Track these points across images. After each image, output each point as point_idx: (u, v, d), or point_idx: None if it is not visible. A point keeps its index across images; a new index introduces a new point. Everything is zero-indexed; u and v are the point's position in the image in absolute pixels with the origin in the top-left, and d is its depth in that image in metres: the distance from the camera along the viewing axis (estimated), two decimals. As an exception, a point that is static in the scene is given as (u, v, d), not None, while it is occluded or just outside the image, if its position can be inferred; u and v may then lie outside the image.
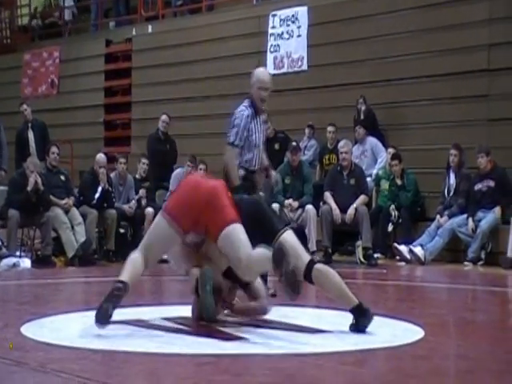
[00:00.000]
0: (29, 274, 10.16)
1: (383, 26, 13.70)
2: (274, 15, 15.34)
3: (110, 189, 11.87)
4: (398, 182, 12.10)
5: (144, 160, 12.86)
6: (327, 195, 11.50)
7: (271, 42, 15.31)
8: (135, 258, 5.53)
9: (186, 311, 5.92)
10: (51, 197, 11.35)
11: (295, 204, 11.54)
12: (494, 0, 12.62)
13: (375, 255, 11.40)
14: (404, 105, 13.36)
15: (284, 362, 4.55)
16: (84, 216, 11.52)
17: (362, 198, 11.43)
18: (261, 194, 7.79)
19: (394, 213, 11.84)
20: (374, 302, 7.28)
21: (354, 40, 13.96)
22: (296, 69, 14.89)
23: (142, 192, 12.33)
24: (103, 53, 18.66)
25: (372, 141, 13.05)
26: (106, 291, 8.02)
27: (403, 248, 11.44)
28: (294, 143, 11.96)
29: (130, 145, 17.59)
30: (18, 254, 11.02)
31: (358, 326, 5.41)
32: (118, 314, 5.32)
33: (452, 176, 11.75)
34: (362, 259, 11.27)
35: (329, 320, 5.72)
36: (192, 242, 5.68)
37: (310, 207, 11.52)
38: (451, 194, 11.74)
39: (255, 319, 5.80)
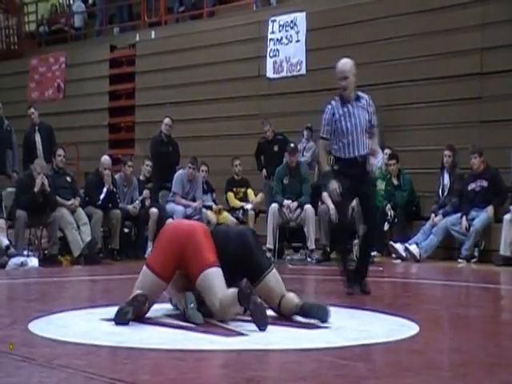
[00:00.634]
0: (36, 273, 10.16)
1: (379, 30, 13.83)
2: (274, 21, 15.47)
3: (115, 190, 11.97)
4: (395, 181, 12.18)
5: (148, 162, 12.93)
6: (325, 195, 11.42)
7: (271, 46, 15.47)
8: None
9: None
10: (57, 197, 11.41)
11: (294, 205, 11.70)
12: (486, 5, 12.73)
13: (372, 253, 11.56)
14: (399, 107, 13.44)
15: (283, 357, 4.59)
16: (89, 216, 11.61)
17: (359, 197, 11.62)
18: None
19: (390, 212, 11.95)
20: (370, 299, 7.29)
21: (351, 45, 13.97)
22: (295, 73, 15.06)
23: (145, 193, 12.40)
24: (108, 58, 18.81)
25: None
26: (110, 289, 8.24)
27: (399, 246, 11.53)
28: (292, 145, 12.06)
29: (133, 147, 17.68)
30: (25, 253, 11.04)
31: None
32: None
33: (446, 176, 11.82)
34: (359, 257, 11.48)
35: None
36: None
37: (308, 207, 11.63)
38: (445, 193, 11.81)
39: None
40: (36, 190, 11.09)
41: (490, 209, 11.33)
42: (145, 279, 5.57)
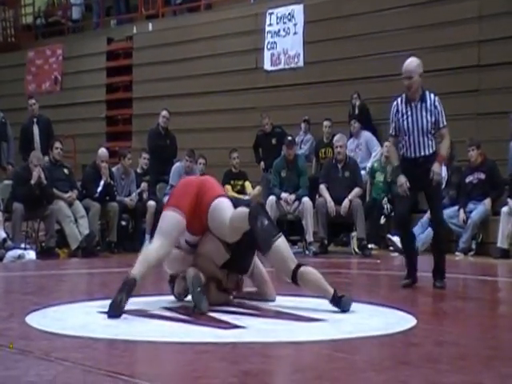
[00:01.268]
0: (33, 266, 10.15)
1: (377, 23, 13.82)
2: (271, 13, 15.48)
3: (112, 182, 11.96)
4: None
5: (145, 155, 12.93)
6: (322, 188, 11.63)
7: (268, 39, 15.47)
8: (149, 249, 5.75)
9: (185, 301, 5.97)
10: (55, 190, 11.41)
11: (292, 197, 11.71)
12: (483, -3, 12.75)
13: (369, 246, 11.53)
14: (397, 100, 13.55)
15: (281, 350, 4.59)
16: (87, 209, 11.61)
17: (357, 190, 11.56)
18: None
19: (387, 206, 11.92)
20: (368, 292, 7.38)
21: (349, 37, 14.08)
22: (292, 65, 15.05)
23: (143, 185, 12.42)
24: (105, 50, 18.78)
25: (366, 135, 13.18)
26: (108, 282, 8.24)
27: (396, 239, 11.25)
28: (289, 137, 12.07)
29: (131, 140, 17.69)
30: (22, 246, 11.06)
31: (342, 310, 5.62)
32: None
33: (443, 169, 11.87)
34: (357, 250, 11.42)
35: (324, 309, 5.67)
36: (189, 242, 5.88)
37: (306, 199, 11.63)
38: (443, 186, 11.85)
39: (259, 302, 5.93)
40: (33, 182, 11.08)
41: (487, 201, 11.35)
42: (166, 217, 5.75)
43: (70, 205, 11.54)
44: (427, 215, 11.62)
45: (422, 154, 7.34)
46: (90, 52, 18.86)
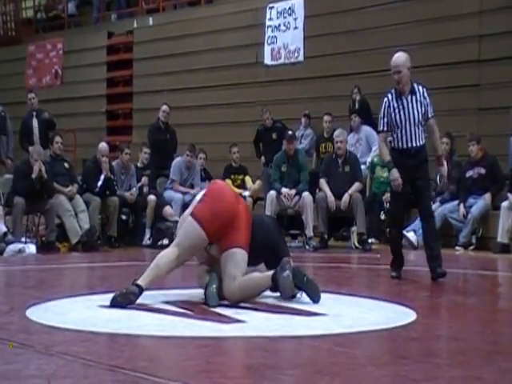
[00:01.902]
0: (34, 260, 10.17)
1: (377, 17, 13.83)
2: (272, 8, 15.49)
3: (112, 177, 11.96)
4: (393, 168, 12.25)
5: (145, 149, 12.90)
6: (322, 182, 11.63)
7: (268, 33, 15.48)
8: (164, 256, 5.76)
9: (186, 295, 6.02)
10: (55, 184, 11.41)
11: (292, 192, 11.70)
12: (484, -8, 12.73)
13: (369, 240, 11.52)
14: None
15: (281, 344, 4.61)
16: (87, 203, 11.61)
17: (357, 185, 11.56)
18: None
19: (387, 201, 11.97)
20: (368, 286, 7.42)
21: (349, 32, 14.09)
22: (293, 60, 15.06)
23: (144, 180, 12.40)
24: (105, 44, 18.81)
25: (366, 129, 13.16)
26: (108, 276, 8.25)
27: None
28: (289, 132, 12.07)
29: (131, 134, 17.70)
30: (23, 240, 11.07)
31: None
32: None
33: (444, 163, 11.92)
34: (357, 244, 11.43)
35: (324, 303, 5.70)
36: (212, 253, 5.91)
37: (306, 194, 11.63)
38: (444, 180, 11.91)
39: (259, 297, 5.91)
40: (33, 176, 11.08)
41: (487, 196, 11.36)
42: (188, 230, 5.73)
43: (71, 199, 11.54)
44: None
45: (414, 144, 7.57)
46: (90, 46, 18.88)
